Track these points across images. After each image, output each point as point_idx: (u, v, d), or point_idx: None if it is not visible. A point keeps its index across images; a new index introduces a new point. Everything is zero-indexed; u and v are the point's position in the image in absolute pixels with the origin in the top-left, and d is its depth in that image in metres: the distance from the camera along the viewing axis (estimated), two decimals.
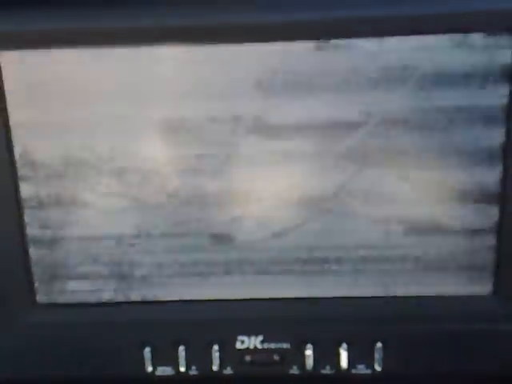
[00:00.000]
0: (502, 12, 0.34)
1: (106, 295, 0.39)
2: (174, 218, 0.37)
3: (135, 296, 0.39)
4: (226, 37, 0.34)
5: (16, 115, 0.36)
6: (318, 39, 0.34)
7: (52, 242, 0.38)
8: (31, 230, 0.37)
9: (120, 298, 0.39)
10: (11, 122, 0.36)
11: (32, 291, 0.38)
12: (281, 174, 0.37)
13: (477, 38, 0.34)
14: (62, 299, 0.39)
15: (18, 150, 0.36)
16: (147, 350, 0.39)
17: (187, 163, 0.36)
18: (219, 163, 0.36)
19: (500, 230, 0.36)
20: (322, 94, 0.35)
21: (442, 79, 0.35)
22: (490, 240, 0.36)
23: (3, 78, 0.35)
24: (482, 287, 0.37)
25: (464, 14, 0.34)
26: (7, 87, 0.35)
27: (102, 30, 0.34)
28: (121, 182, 0.37)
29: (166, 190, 0.37)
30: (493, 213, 0.36)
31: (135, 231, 0.38)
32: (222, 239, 0.38)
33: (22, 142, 0.36)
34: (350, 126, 0.35)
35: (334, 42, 0.34)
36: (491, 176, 0.36)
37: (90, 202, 0.37)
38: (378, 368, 0.39)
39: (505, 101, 0.35)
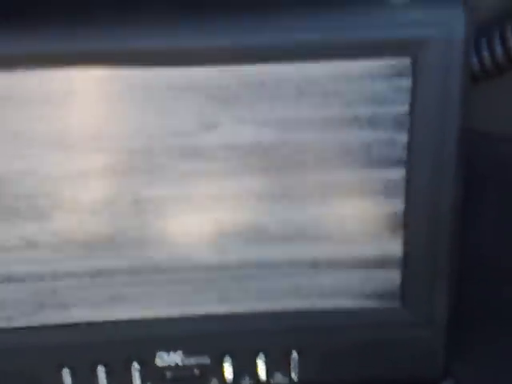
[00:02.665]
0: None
1: (18, 320, 0.38)
2: (85, 246, 0.37)
3: (49, 319, 0.38)
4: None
5: None
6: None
7: None
8: None
9: (33, 322, 0.38)
10: None
11: None
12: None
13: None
14: None
15: None
16: (66, 373, 0.38)
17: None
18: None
19: (405, 256, 0.38)
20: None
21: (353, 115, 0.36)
22: (397, 264, 0.38)
23: None
24: (392, 301, 0.39)
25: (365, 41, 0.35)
26: None
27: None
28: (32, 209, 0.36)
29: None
30: (397, 240, 0.38)
31: (48, 256, 0.37)
32: (134, 261, 0.38)
33: None
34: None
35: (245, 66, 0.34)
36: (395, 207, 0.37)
37: None
38: (294, 377, 0.40)
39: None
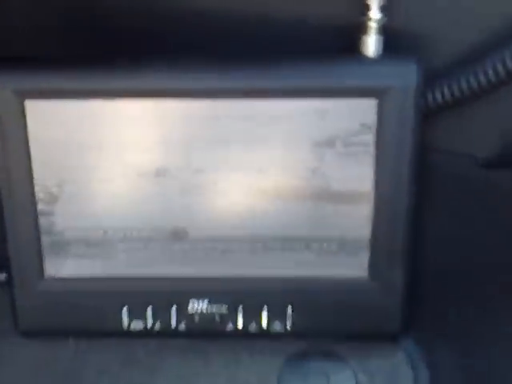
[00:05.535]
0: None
1: (94, 271, 0.54)
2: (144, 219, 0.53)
3: (117, 272, 0.54)
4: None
5: None
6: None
7: (57, 234, 0.53)
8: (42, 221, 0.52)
9: (105, 274, 0.54)
10: None
11: (42, 268, 0.53)
12: None
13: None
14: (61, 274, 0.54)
15: None
16: (124, 310, 0.54)
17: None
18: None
19: (373, 232, 0.52)
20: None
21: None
22: (366, 241, 0.53)
23: None
24: (362, 272, 0.54)
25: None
26: None
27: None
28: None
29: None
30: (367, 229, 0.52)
31: (118, 225, 0.53)
32: (178, 234, 0.53)
33: None
34: None
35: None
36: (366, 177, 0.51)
37: None
38: (288, 326, 0.55)
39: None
